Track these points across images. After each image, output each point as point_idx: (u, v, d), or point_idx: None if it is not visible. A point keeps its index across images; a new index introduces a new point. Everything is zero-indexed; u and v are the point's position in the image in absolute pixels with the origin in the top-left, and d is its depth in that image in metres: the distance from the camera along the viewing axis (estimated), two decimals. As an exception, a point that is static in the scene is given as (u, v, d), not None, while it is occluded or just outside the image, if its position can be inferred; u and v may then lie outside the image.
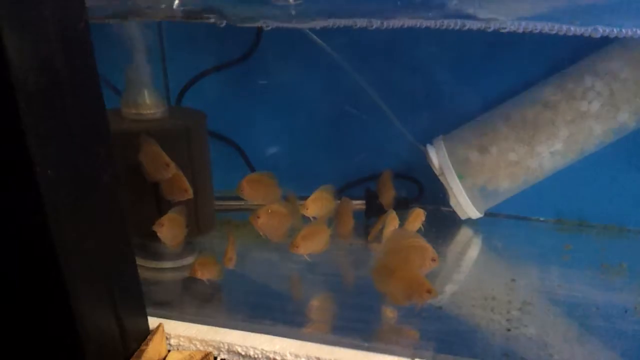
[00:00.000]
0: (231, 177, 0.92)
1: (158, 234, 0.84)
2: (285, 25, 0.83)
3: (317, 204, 0.88)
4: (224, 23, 0.84)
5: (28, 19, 0.52)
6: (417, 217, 0.93)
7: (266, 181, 0.90)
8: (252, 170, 1.19)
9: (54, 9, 0.54)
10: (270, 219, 0.85)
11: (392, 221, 0.92)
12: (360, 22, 0.79)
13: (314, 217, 0.88)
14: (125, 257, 0.71)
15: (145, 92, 0.89)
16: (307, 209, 0.88)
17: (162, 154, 0.84)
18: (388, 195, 1.01)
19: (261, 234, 0.86)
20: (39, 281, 0.60)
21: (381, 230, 0.93)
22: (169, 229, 0.84)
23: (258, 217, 0.84)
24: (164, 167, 0.84)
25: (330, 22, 0.81)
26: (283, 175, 1.16)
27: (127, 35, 0.87)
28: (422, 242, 0.73)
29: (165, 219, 0.84)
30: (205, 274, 0.85)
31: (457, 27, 0.77)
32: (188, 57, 1.14)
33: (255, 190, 0.89)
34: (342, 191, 1.16)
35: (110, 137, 0.65)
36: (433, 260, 0.71)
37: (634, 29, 0.75)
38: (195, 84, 1.13)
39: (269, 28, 0.83)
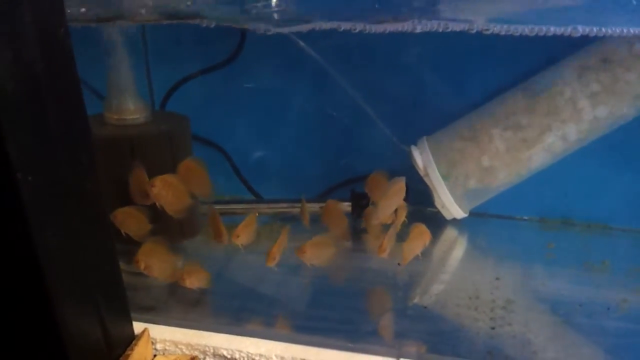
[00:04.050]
0: (216, 181, 0.92)
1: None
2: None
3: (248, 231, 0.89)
4: (213, 24, 0.83)
5: (7, 25, 0.52)
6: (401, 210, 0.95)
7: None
8: (238, 174, 1.19)
9: (33, 15, 0.54)
10: (166, 190, 0.82)
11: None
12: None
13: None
14: (109, 262, 0.71)
15: (128, 97, 0.88)
16: (237, 237, 0.88)
17: (145, 182, 0.83)
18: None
19: (157, 204, 0.83)
20: (21, 287, 0.59)
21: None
22: (122, 220, 0.84)
23: (153, 186, 0.81)
24: (144, 194, 0.84)
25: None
26: (267, 177, 1.18)
27: (110, 39, 0.86)
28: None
29: (118, 211, 0.84)
30: (194, 282, 0.85)
31: (440, 29, 0.78)
32: (172, 61, 1.14)
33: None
34: (328, 193, 1.16)
35: (92, 143, 0.65)
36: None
37: (614, 28, 0.75)
38: (180, 88, 1.13)
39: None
